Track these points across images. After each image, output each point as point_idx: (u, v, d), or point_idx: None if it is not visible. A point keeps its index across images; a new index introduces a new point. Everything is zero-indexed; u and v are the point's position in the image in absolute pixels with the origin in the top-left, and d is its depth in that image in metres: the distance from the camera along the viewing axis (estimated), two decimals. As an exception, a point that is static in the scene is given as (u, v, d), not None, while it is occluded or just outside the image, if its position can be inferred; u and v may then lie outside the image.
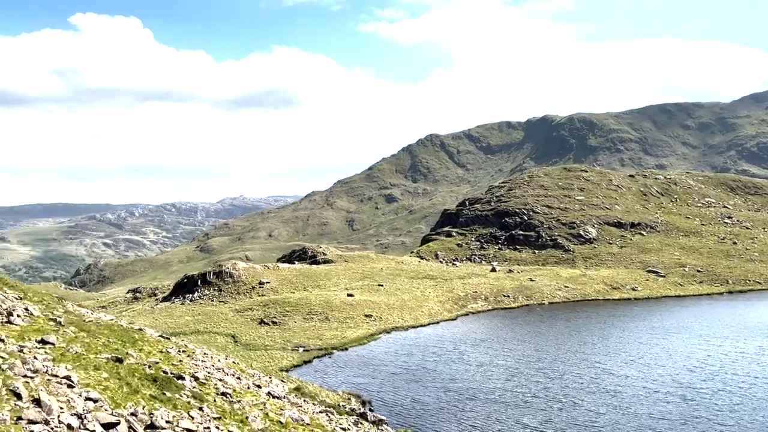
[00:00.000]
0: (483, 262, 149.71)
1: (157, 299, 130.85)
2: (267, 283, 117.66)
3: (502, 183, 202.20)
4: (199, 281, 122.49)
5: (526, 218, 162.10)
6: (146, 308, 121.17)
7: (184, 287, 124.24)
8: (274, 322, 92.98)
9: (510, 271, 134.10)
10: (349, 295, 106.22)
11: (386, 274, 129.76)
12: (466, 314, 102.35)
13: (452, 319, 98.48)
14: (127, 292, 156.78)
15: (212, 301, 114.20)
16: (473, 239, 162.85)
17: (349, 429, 36.94)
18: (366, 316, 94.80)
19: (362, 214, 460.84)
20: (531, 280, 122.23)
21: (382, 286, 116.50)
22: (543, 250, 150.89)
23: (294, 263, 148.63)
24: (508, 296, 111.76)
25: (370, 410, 48.08)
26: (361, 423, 40.04)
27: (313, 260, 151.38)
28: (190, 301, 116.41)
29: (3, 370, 25.55)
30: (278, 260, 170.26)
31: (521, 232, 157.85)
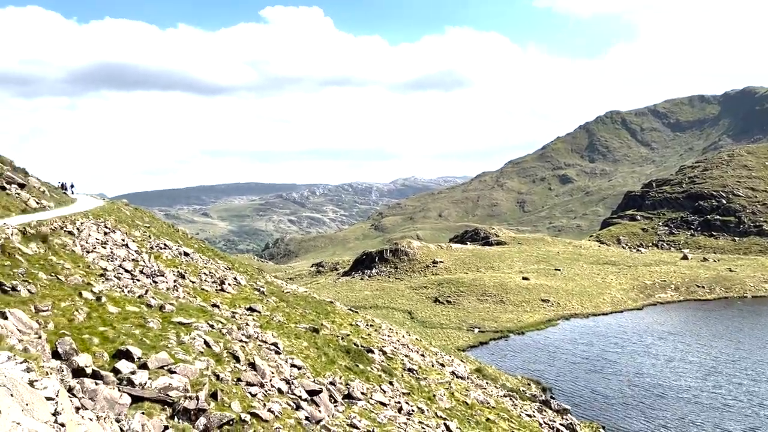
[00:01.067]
0: (672, 248, 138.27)
1: (338, 273, 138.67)
2: (440, 262, 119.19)
3: (696, 162, 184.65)
4: (377, 258, 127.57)
5: (724, 202, 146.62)
6: (329, 281, 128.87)
7: (363, 263, 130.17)
8: (448, 301, 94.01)
9: (704, 259, 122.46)
10: (525, 278, 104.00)
11: (563, 259, 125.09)
12: (654, 304, 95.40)
13: (637, 309, 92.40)
14: (311, 266, 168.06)
15: (389, 277, 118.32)
16: (661, 224, 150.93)
17: (533, 415, 36.25)
18: (543, 300, 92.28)
19: (534, 196, 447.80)
20: (730, 270, 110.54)
21: (559, 270, 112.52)
22: (745, 238, 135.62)
23: (466, 244, 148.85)
24: (703, 287, 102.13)
25: (552, 398, 46.79)
26: (545, 410, 39.10)
27: (486, 241, 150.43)
28: (368, 276, 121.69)
29: (223, 335, 28.49)
30: (450, 240, 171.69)
31: (718, 217, 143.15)
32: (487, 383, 40.98)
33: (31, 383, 9.83)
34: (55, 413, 9.18)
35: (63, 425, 9.10)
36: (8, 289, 25.38)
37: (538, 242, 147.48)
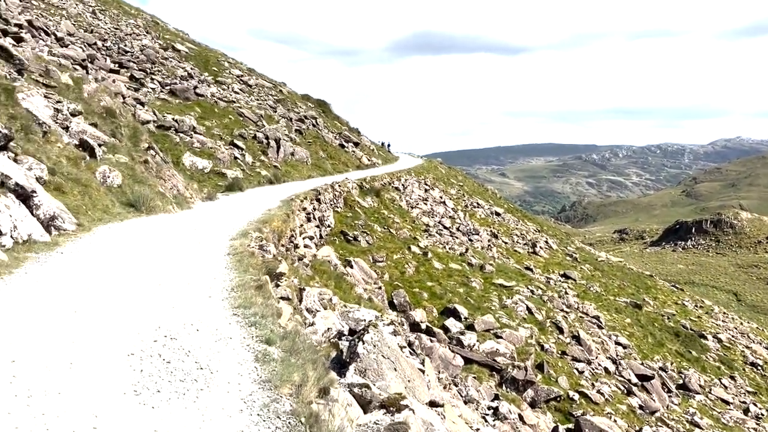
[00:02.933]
0: None
1: (644, 243, 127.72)
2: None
3: None
4: (693, 228, 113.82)
5: None
6: (634, 250, 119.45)
7: (675, 233, 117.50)
8: (789, 287, 79.28)
9: None
10: None
11: None
12: None
13: None
14: (613, 232, 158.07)
15: (707, 251, 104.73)
16: None
17: None
18: None
19: None
20: None
21: None
22: None
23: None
24: None
25: None
26: None
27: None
28: (682, 248, 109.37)
29: (544, 302, 27.18)
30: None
31: None
32: None
33: (401, 348, 9.52)
34: (429, 385, 8.75)
35: (441, 406, 8.57)
36: (351, 238, 27.67)
37: None
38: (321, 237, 24.84)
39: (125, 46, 36.87)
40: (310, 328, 8.47)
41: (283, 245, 12.47)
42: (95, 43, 34.60)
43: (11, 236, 8.06)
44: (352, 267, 22.26)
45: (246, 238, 10.27)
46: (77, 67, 26.57)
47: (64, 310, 6.11)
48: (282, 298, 7.85)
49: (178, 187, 18.07)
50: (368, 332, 8.09)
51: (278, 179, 29.69)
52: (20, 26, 23.79)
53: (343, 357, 7.67)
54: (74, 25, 35.00)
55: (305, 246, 18.56)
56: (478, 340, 20.48)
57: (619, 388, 22.24)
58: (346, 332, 9.38)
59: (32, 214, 8.91)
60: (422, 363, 10.74)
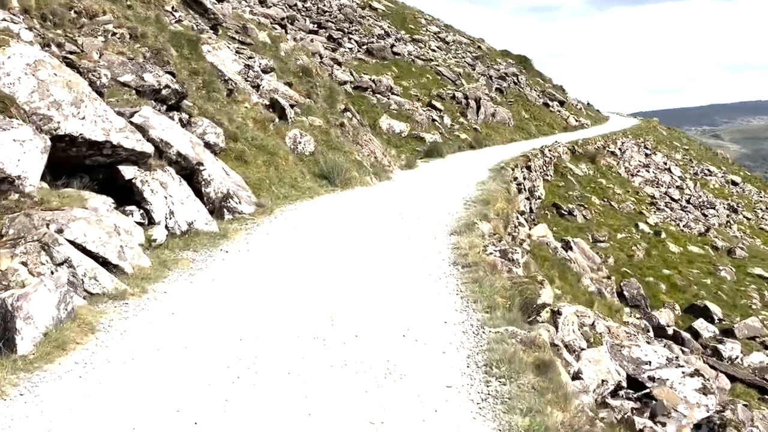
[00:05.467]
0: None
1: None
2: None
3: None
4: None
5: None
6: None
7: None
8: None
9: None
10: None
11: None
12: None
13: None
14: None
15: None
16: None
17: None
18: None
19: None
20: None
21: None
22: None
23: None
24: None
25: None
26: None
27: None
28: None
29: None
30: None
31: None
32: None
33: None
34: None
35: None
36: (565, 213, 23.79)
37: None
38: (531, 211, 21.47)
39: (324, 6, 35.99)
40: (576, 383, 5.40)
41: (509, 233, 9.48)
42: (295, 4, 34.03)
43: (165, 226, 6.04)
44: (571, 249, 18.66)
45: (472, 232, 7.38)
46: (276, 27, 25.76)
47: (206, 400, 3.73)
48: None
49: (376, 153, 15.84)
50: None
51: (479, 143, 26.68)
52: (222, -15, 23.14)
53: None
54: (275, -15, 34.75)
55: (519, 224, 15.42)
56: (741, 352, 15.90)
57: None
58: (624, 382, 6.17)
59: (198, 192, 6.87)
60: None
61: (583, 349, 6.06)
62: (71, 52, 7.43)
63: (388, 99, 25.44)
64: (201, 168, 6.97)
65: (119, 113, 6.64)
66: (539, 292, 5.53)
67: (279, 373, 4.04)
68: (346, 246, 7.06)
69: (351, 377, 4.05)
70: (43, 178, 5.68)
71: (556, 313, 6.42)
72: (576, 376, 5.60)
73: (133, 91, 7.78)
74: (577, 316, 6.98)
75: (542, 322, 5.53)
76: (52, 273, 4.53)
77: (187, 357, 4.19)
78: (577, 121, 41.48)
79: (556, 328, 6.41)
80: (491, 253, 6.35)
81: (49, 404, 3.62)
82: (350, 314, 5.09)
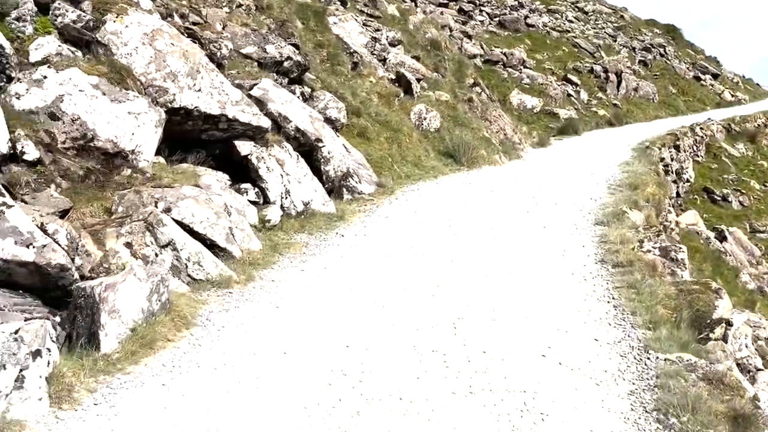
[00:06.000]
0: None
1: None
2: None
3: None
4: None
5: None
6: None
7: None
8: None
9: None
10: None
11: None
12: None
13: None
14: None
15: None
16: None
17: None
18: None
19: None
20: None
21: None
22: None
23: None
24: None
25: None
26: None
27: None
28: None
29: None
30: None
31: None
32: None
33: None
34: None
35: None
36: (718, 198, 21.32)
37: None
38: (678, 195, 19.42)
39: (454, -23, 34.84)
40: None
41: (660, 221, 8.25)
42: (425, -23, 33.24)
43: (281, 206, 5.63)
44: (726, 240, 16.60)
45: (621, 222, 6.34)
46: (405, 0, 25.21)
47: None
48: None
49: (506, 130, 14.81)
50: None
51: (619, 120, 24.62)
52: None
53: None
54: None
55: (667, 211, 13.80)
56: None
57: None
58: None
59: (316, 170, 6.43)
60: None
61: (759, 370, 4.92)
62: (194, 23, 7.25)
63: (520, 73, 24.09)
64: (320, 144, 6.53)
65: (238, 85, 6.34)
66: (715, 303, 4.47)
67: (389, 398, 3.42)
68: (471, 235, 6.33)
69: (476, 412, 3.32)
70: (158, 153, 5.49)
71: (725, 323, 5.30)
72: (756, 405, 4.52)
73: (255, 63, 7.50)
74: (749, 326, 5.78)
75: (715, 340, 4.49)
76: (156, 255, 4.26)
77: (285, 367, 3.70)
78: (733, 96, 37.34)
79: (725, 340, 5.30)
80: (649, 251, 5.33)
81: (123, 419, 3.16)
82: (477, 321, 4.35)
